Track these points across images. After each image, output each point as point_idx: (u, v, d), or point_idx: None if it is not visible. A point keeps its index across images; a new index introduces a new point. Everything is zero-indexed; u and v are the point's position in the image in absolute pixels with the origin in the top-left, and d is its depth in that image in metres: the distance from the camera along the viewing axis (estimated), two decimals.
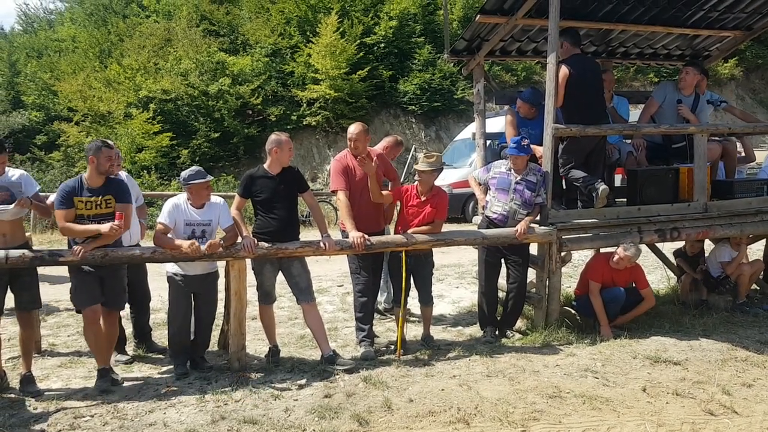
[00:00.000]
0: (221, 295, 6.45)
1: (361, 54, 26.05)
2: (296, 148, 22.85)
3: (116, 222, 5.57)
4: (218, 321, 6.73)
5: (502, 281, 7.52)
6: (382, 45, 27.13)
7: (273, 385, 5.87)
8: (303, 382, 5.93)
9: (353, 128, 6.56)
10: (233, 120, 24.33)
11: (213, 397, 5.56)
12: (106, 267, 5.75)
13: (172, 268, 6.16)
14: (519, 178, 6.96)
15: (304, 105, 25.56)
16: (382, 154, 7.04)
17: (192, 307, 6.16)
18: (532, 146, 7.21)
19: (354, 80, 25.29)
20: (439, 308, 8.65)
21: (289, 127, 24.55)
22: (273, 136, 6.15)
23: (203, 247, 5.80)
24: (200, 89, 24.71)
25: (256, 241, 6.00)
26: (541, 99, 7.26)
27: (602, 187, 7.10)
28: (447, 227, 7.29)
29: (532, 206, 7.05)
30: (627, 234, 7.50)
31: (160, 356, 6.87)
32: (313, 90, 25.17)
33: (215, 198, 6.17)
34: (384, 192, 6.59)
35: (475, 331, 7.58)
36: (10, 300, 5.88)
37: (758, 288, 9.24)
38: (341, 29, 25.88)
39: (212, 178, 6.32)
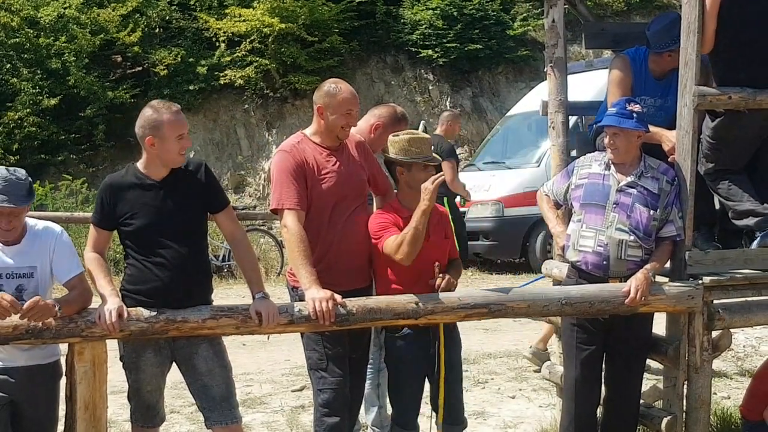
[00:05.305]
0: (62, 411, 4.69)
1: None
2: (207, 127, 17.04)
3: None
4: None
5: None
6: None
7: None
8: None
9: (338, 87, 4.77)
10: (85, 74, 16.42)
11: None
12: None
13: None
14: (626, 181, 4.95)
15: (222, 47, 17.41)
16: (362, 141, 5.21)
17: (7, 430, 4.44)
18: (654, 129, 5.01)
19: (317, 1, 17.21)
20: None
21: (192, 87, 17.04)
22: (148, 112, 4.48)
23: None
24: (23, 15, 16.66)
25: (125, 308, 4.39)
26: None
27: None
28: (498, 279, 6.07)
29: (653, 238, 4.97)
30: None
31: None
32: (240, 18, 17.09)
33: (43, 224, 4.53)
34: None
35: None
36: None
37: None
38: None
39: (30, 201, 4.49)
